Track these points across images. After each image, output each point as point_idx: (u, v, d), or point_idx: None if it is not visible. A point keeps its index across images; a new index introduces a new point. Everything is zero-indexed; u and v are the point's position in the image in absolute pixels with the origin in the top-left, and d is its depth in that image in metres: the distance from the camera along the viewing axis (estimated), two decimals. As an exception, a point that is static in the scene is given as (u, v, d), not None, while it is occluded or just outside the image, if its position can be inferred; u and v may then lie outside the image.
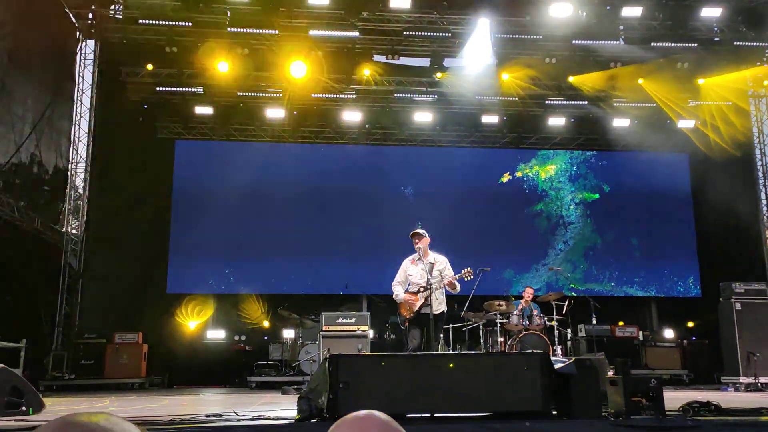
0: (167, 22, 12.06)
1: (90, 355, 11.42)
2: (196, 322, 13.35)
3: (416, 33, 12.53)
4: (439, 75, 13.25)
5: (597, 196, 14.81)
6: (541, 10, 11.58)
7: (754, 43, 12.80)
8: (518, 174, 14.81)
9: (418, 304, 6.95)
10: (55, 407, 6.65)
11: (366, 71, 13.05)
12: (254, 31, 12.26)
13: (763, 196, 14.48)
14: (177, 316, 13.26)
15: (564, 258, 13.81)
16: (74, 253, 12.40)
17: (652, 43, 12.55)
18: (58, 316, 11.82)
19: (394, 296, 7.21)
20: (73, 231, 12.60)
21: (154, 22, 12.10)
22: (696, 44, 12.59)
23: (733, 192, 13.79)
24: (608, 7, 11.65)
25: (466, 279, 7.08)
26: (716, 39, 12.58)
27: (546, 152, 14.93)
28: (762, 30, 12.31)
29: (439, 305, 7.04)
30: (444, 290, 7.12)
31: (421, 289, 6.98)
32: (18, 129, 10.74)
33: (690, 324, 14.08)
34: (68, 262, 12.20)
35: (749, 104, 14.65)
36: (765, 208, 14.45)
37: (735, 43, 12.67)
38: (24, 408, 5.65)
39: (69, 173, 12.63)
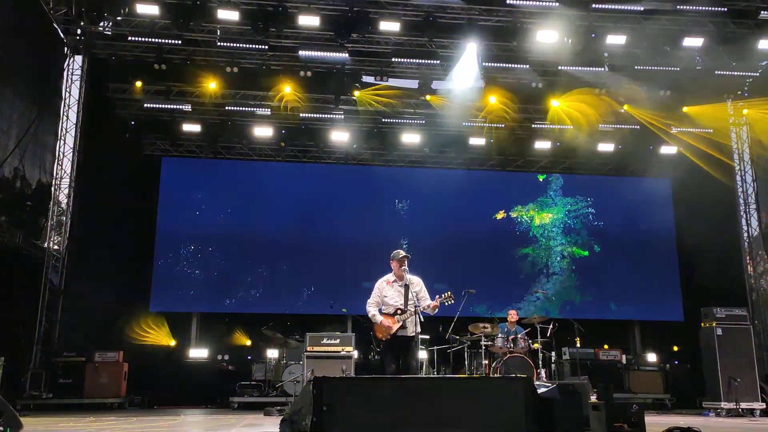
0: (156, 40, 12.08)
1: (69, 374, 11.21)
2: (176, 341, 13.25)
3: (406, 59, 12.64)
4: (427, 97, 13.39)
5: (586, 253, 14.81)
6: (528, 37, 11.77)
7: (735, 73, 13.07)
8: (513, 214, 14.84)
9: (396, 327, 6.84)
10: (33, 427, 6.53)
11: (354, 92, 13.15)
12: (244, 46, 12.30)
13: (744, 222, 14.68)
14: (159, 335, 13.12)
15: (540, 306, 13.58)
16: (55, 269, 12.23)
17: (636, 67, 12.76)
18: (37, 333, 11.61)
19: (370, 316, 7.02)
20: (55, 247, 12.44)
21: (143, 39, 12.11)
22: (678, 68, 12.82)
23: (715, 217, 13.98)
24: (593, 35, 11.87)
25: (446, 303, 7.05)
26: (698, 68, 12.84)
27: (546, 199, 14.99)
28: (742, 60, 12.60)
29: (415, 327, 6.93)
30: (421, 313, 7.02)
31: (399, 312, 6.87)
32: (2, 143, 10.65)
33: (675, 348, 14.18)
34: (49, 279, 12.03)
35: (730, 132, 14.91)
36: (746, 234, 14.65)
37: (716, 72, 12.94)
38: (1, 428, 5.54)
39: (53, 188, 12.51)
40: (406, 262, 7.00)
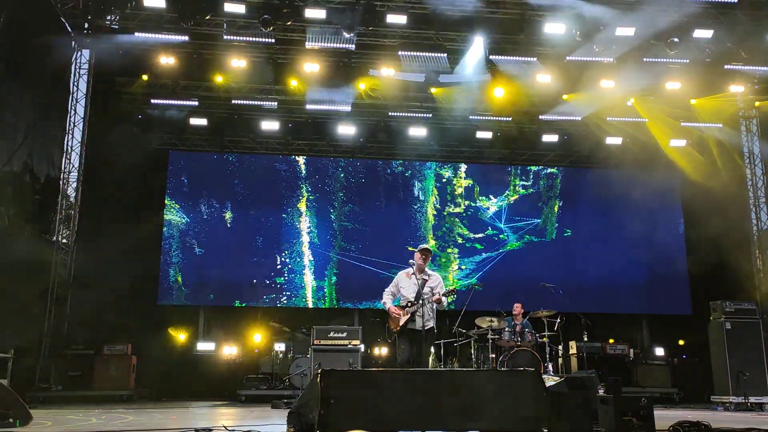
0: (163, 36, 12.06)
1: (78, 367, 11.30)
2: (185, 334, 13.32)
3: (413, 52, 12.57)
4: (434, 90, 13.33)
5: (592, 250, 14.68)
6: (536, 29, 11.70)
7: (746, 67, 12.95)
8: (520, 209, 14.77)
9: (404, 318, 6.91)
10: (43, 419, 6.57)
11: (361, 85, 13.11)
12: (250, 40, 12.28)
13: (753, 215, 14.58)
14: (167, 328, 13.18)
15: (546, 300, 13.14)
16: (64, 262, 12.31)
17: (644, 59, 12.65)
18: (47, 326, 11.69)
19: (381, 303, 7.28)
20: (64, 241, 12.50)
21: (149, 36, 12.08)
22: (687, 60, 12.70)
23: (724, 211, 13.87)
24: (601, 27, 11.78)
25: (447, 299, 7.14)
26: (707, 60, 12.73)
27: (552, 195, 14.88)
28: (753, 52, 12.48)
29: (427, 321, 6.97)
30: (434, 307, 7.09)
31: (409, 304, 6.94)
32: (10, 137, 10.69)
33: (681, 342, 14.11)
34: (58, 272, 12.10)
35: (740, 125, 14.78)
36: (755, 228, 14.55)
37: (725, 67, 12.83)
38: (11, 420, 5.58)
39: (61, 182, 12.56)
40: (425, 255, 7.14)
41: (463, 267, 14.28)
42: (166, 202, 13.80)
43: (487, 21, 11.82)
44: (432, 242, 14.28)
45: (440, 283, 7.22)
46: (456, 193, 14.67)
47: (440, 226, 14.43)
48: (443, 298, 7.06)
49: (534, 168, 15.08)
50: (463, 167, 14.85)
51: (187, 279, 13.59)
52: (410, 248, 7.48)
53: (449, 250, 14.34)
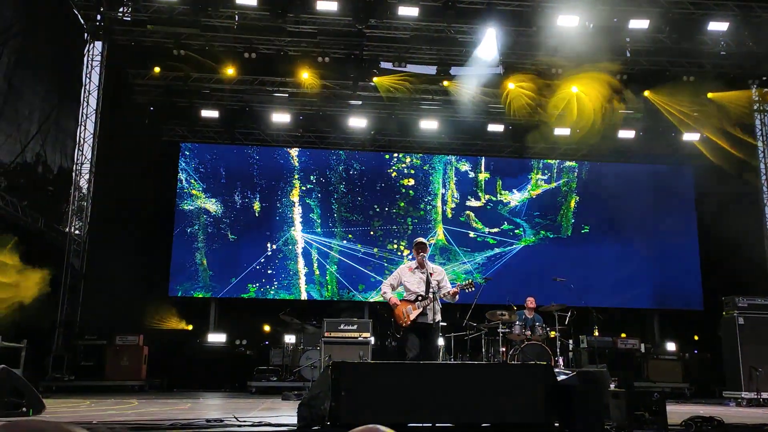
0: (175, 29, 12.08)
1: (90, 357, 11.41)
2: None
3: (425, 46, 12.52)
4: (445, 83, 13.28)
5: (604, 243, 14.62)
6: (548, 21, 11.59)
7: (762, 60, 12.79)
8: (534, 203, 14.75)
9: (416, 313, 6.86)
10: (56, 408, 6.64)
11: (373, 78, 13.07)
12: (262, 35, 12.29)
13: (767, 210, 14.42)
14: (178, 319, 13.26)
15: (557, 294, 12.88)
16: (77, 253, 12.39)
17: (658, 52, 12.54)
18: (59, 316, 11.79)
19: (381, 294, 7.14)
20: (76, 232, 12.59)
21: (162, 28, 12.11)
22: (702, 58, 12.58)
23: (737, 205, 13.74)
24: (615, 20, 11.66)
25: (467, 291, 7.04)
26: (722, 53, 12.58)
27: (564, 187, 14.81)
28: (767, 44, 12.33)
29: (435, 315, 6.96)
30: (440, 301, 7.05)
31: (419, 298, 6.89)
32: (24, 129, 10.75)
33: (696, 337, 14.03)
34: (70, 263, 12.19)
35: (755, 118, 14.62)
36: (769, 222, 14.40)
37: (741, 60, 12.68)
38: (24, 409, 5.64)
39: (74, 174, 12.64)
40: (423, 248, 7.06)
41: (473, 261, 14.24)
42: (177, 193, 13.87)
43: (500, 13, 11.73)
44: (441, 236, 14.26)
45: (445, 277, 7.17)
46: (477, 187, 14.60)
47: (453, 220, 14.37)
48: (459, 291, 6.99)
49: (554, 162, 14.97)
50: (483, 161, 14.77)
51: (198, 271, 13.67)
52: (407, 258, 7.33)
53: (460, 244, 14.30)
